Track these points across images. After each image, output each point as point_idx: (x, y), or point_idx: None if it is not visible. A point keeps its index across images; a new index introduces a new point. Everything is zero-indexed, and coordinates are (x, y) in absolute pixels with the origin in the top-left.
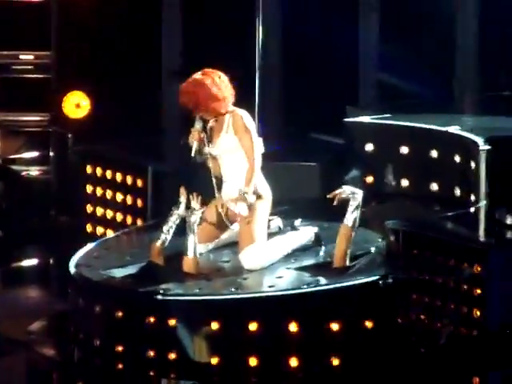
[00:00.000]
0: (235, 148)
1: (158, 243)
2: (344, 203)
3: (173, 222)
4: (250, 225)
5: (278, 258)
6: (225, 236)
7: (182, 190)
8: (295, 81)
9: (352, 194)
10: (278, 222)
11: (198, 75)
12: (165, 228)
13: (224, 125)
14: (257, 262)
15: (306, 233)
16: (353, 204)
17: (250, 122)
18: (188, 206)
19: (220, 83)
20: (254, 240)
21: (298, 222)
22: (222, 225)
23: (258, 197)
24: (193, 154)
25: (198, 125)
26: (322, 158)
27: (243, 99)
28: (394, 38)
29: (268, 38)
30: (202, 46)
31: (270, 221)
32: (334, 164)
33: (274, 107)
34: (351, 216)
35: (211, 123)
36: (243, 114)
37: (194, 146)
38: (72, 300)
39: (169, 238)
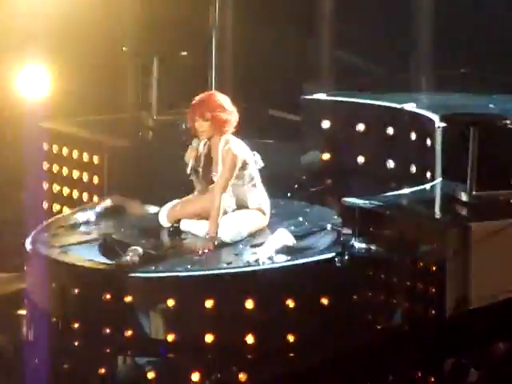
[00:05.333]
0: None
1: None
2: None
3: None
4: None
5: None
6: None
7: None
8: (251, 57)
9: None
10: (284, 234)
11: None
12: None
13: (218, 153)
14: (232, 233)
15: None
16: None
17: (238, 159)
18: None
19: (227, 106)
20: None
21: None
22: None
23: (260, 210)
24: (188, 171)
25: (195, 143)
26: (278, 134)
27: (199, 75)
28: (350, 14)
29: (223, 13)
30: (160, 25)
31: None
32: (291, 141)
33: (230, 83)
34: None
35: (205, 149)
36: (235, 151)
37: (190, 163)
38: (28, 277)
39: None
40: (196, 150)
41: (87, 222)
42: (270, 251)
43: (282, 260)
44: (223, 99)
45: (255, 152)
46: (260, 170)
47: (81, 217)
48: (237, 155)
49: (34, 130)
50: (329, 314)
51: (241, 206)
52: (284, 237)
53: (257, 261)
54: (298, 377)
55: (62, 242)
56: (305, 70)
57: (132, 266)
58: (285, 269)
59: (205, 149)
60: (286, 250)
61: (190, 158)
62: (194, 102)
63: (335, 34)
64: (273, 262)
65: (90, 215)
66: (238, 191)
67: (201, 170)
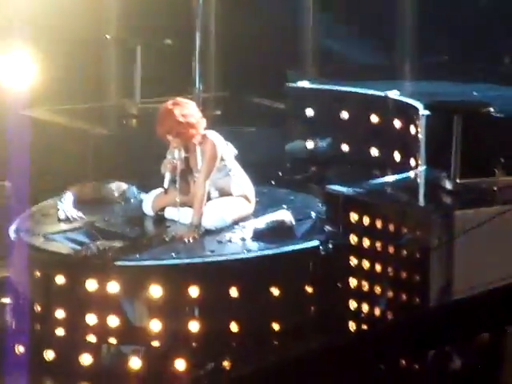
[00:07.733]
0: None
1: None
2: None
3: None
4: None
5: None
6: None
7: None
8: (235, 44)
9: None
10: (285, 215)
11: (167, 105)
12: None
13: (197, 154)
14: (216, 220)
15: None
16: None
17: (218, 149)
18: None
19: (187, 112)
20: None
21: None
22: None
23: (244, 197)
24: (165, 185)
25: (170, 155)
26: (263, 122)
27: (183, 64)
28: (334, 3)
29: (207, 1)
30: (144, 13)
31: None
32: (275, 129)
33: (214, 71)
34: None
35: (185, 154)
36: (214, 140)
37: (167, 176)
38: (12, 266)
39: None
40: (172, 162)
41: (71, 210)
42: (261, 225)
43: (257, 247)
44: (184, 109)
45: (228, 142)
46: (243, 158)
47: (64, 205)
48: (216, 145)
49: (16, 119)
50: (313, 302)
51: (226, 196)
52: (284, 215)
53: (220, 241)
54: (282, 365)
55: (45, 231)
56: (289, 58)
57: (90, 256)
58: (269, 257)
59: (182, 154)
60: (275, 233)
61: (166, 170)
62: (156, 120)
63: (319, 22)
64: (257, 251)
65: (72, 203)
66: (221, 183)
67: (179, 179)
